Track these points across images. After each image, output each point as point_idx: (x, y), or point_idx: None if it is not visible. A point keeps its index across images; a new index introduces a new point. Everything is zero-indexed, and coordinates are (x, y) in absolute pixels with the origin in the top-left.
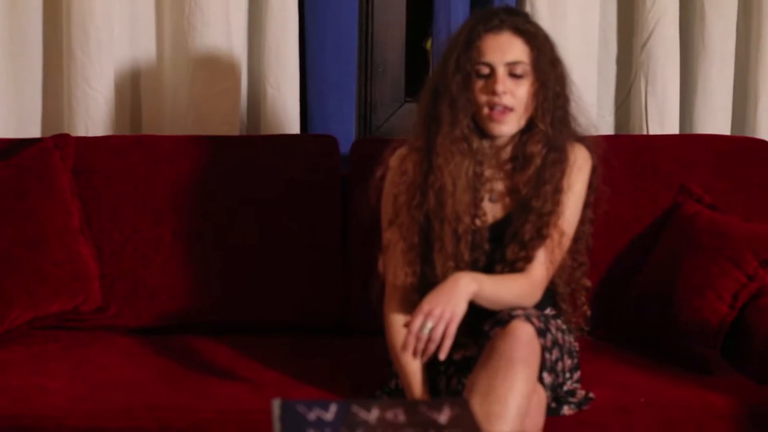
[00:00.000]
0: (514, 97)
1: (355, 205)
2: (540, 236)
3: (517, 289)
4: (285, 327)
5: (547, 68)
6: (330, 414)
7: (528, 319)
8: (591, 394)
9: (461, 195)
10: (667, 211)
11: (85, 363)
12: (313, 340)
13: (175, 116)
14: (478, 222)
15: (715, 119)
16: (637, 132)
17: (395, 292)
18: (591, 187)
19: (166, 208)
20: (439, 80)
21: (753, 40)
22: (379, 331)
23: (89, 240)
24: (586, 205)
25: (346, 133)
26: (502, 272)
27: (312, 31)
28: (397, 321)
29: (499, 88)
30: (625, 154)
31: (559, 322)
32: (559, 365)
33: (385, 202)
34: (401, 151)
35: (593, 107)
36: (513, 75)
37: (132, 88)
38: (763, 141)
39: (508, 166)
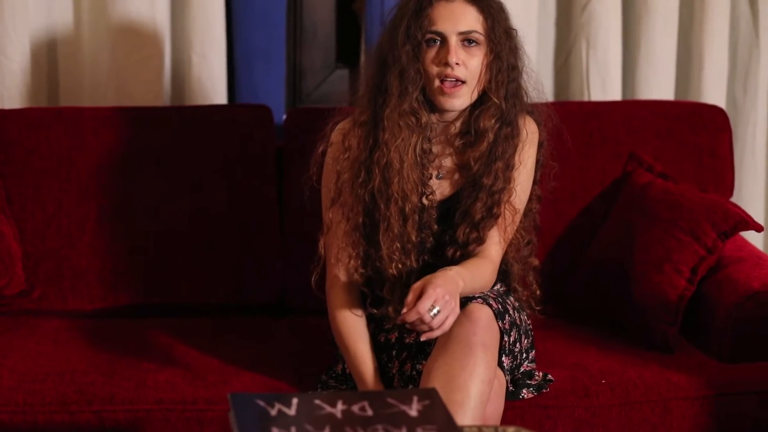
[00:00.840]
0: (467, 69)
1: (292, 179)
2: (492, 215)
3: (487, 277)
4: (220, 308)
5: (502, 38)
6: (292, 409)
7: (485, 301)
8: (549, 376)
9: (408, 172)
10: (617, 181)
11: (11, 351)
12: (250, 322)
13: (95, 85)
14: (425, 201)
15: (659, 84)
16: (577, 98)
17: (338, 278)
18: (538, 162)
19: (92, 185)
20: (387, 50)
21: (697, 1)
22: (319, 312)
23: (10, 219)
24: (534, 182)
25: (275, 101)
26: (453, 255)
27: None
28: (342, 307)
29: (452, 59)
30: (572, 121)
31: (512, 299)
32: (517, 346)
33: (326, 179)
34: (344, 124)
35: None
36: (466, 45)
37: (49, 56)
38: (714, 107)
39: (458, 142)
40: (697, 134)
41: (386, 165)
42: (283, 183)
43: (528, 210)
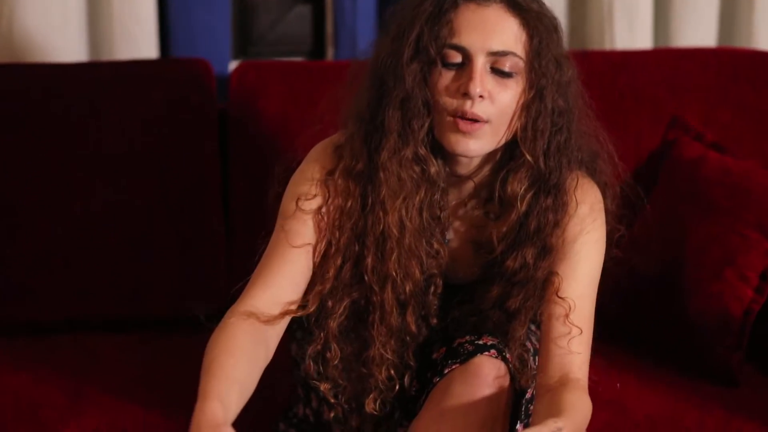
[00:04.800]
0: (493, 105)
1: (239, 156)
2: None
3: (586, 415)
4: (146, 322)
5: (549, 69)
6: None
7: (500, 352)
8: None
9: (411, 242)
10: (655, 154)
11: None
12: (185, 341)
13: None
14: (433, 287)
15: (698, 28)
16: (596, 45)
17: (254, 316)
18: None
19: None
20: (387, 66)
21: None
22: None
23: None
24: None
25: (219, 53)
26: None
27: None
28: (240, 335)
29: (475, 88)
30: (596, 78)
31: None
32: None
33: (287, 205)
34: (327, 146)
35: None
36: (497, 72)
37: None
38: None
39: (474, 206)
40: (759, 90)
41: (383, 234)
42: (228, 162)
43: None
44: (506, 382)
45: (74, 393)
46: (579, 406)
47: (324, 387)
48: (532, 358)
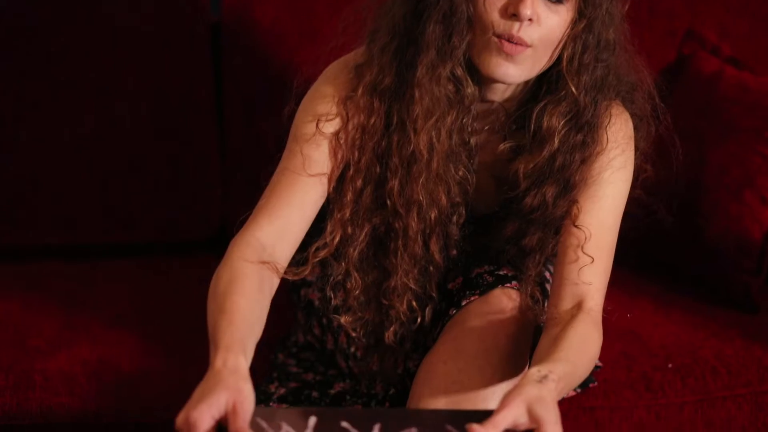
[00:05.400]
0: (540, 29)
1: (234, 72)
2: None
3: (592, 351)
4: (140, 247)
5: (602, 1)
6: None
7: (520, 282)
8: (596, 361)
9: (439, 165)
10: (669, 69)
11: None
12: (178, 265)
13: None
14: (456, 216)
15: None
16: None
17: (258, 243)
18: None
19: None
20: None
21: None
22: None
23: None
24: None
25: None
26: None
27: None
28: (250, 274)
29: (525, 9)
30: None
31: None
32: None
33: (304, 127)
34: (346, 64)
35: None
36: None
37: None
38: None
39: (504, 139)
40: None
41: (411, 155)
42: (222, 79)
43: None
44: (527, 316)
45: (64, 322)
46: (581, 343)
47: (345, 320)
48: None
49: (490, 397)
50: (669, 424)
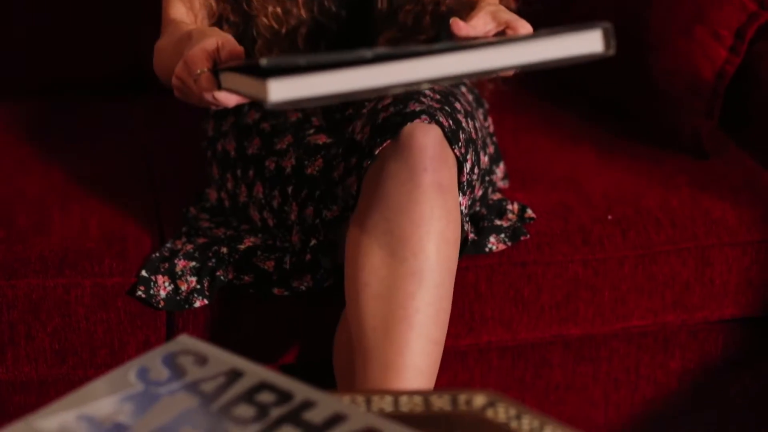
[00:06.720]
0: None
1: None
2: None
3: None
4: (44, 86)
5: None
6: None
7: (431, 117)
8: (529, 211)
9: None
10: None
11: None
12: (84, 105)
13: None
14: None
15: None
16: None
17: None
18: None
19: None
20: None
21: None
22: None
23: None
24: None
25: None
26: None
27: None
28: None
29: None
30: None
31: (464, 90)
32: (476, 171)
33: None
34: None
35: None
36: None
37: None
38: None
39: None
40: None
41: None
42: None
43: None
44: (445, 148)
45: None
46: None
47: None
48: (465, 119)
49: (425, 240)
50: (607, 279)
